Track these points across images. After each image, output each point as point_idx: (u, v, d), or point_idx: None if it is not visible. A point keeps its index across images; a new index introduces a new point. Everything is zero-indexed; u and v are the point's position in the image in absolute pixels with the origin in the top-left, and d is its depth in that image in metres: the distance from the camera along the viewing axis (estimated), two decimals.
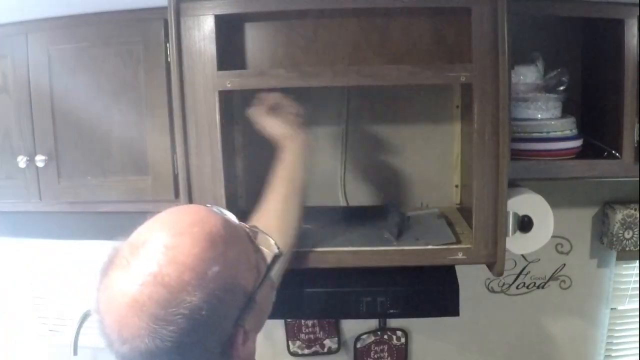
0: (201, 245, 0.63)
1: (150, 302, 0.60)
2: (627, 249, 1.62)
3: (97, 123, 1.36)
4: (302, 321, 1.76)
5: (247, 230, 0.73)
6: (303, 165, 1.21)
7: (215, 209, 0.72)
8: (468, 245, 1.25)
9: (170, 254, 0.62)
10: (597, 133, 1.41)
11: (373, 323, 1.77)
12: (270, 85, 1.22)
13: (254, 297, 0.67)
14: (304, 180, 1.21)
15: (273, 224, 1.10)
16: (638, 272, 1.70)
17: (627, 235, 1.60)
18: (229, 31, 1.30)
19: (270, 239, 0.74)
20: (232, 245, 0.66)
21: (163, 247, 0.63)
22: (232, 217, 0.72)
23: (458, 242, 1.27)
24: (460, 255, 1.24)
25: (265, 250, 0.74)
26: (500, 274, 1.26)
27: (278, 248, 0.73)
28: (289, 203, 1.18)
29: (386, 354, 1.77)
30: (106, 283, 0.64)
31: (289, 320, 1.75)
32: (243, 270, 0.67)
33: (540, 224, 1.34)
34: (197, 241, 0.64)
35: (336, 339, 1.78)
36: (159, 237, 0.64)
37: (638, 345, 1.74)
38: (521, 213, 1.33)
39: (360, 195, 1.54)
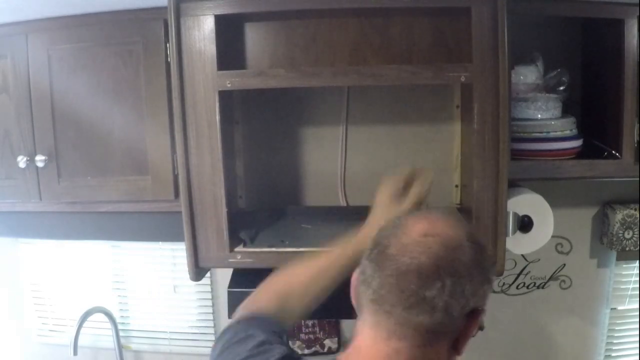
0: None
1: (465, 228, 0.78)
2: (627, 249, 1.62)
3: (97, 123, 1.36)
4: (302, 321, 1.76)
5: None
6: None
7: None
8: None
9: (453, 225, 0.78)
10: (597, 133, 1.42)
11: None
12: (270, 85, 1.22)
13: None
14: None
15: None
16: (638, 272, 1.70)
17: (627, 235, 1.60)
18: (229, 31, 1.30)
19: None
20: None
21: (449, 224, 0.78)
22: None
23: None
24: None
25: None
26: (500, 274, 1.26)
27: None
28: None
29: None
30: (426, 216, 0.79)
31: None
32: None
33: (540, 224, 1.34)
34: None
35: (336, 339, 1.78)
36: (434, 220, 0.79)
37: (638, 345, 1.74)
38: (521, 213, 1.33)
39: (360, 195, 1.54)
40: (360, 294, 0.79)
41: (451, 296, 0.72)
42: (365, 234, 1.04)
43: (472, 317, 0.76)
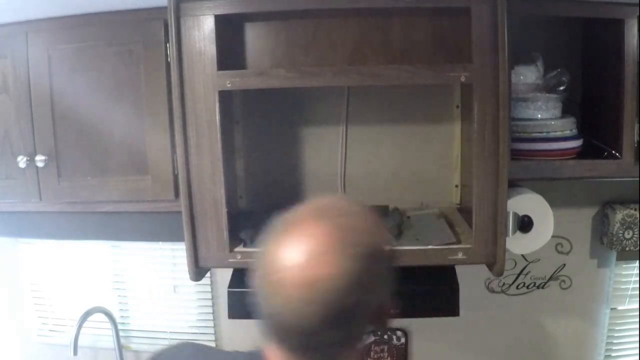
0: (364, 208, 0.76)
1: (342, 241, 0.69)
2: (627, 249, 1.62)
3: (97, 123, 1.36)
4: None
5: None
6: None
7: None
8: (468, 245, 1.25)
9: (347, 212, 0.74)
10: (597, 133, 1.42)
11: None
12: (271, 85, 1.22)
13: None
14: None
15: None
16: (638, 272, 1.70)
17: (627, 235, 1.60)
18: (229, 31, 1.30)
19: None
20: (381, 223, 0.78)
21: (339, 208, 0.75)
22: None
23: (458, 242, 1.27)
24: (460, 255, 1.24)
25: None
26: (500, 274, 1.26)
27: None
28: None
29: (386, 354, 1.77)
30: (294, 235, 0.70)
31: None
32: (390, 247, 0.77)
33: (540, 224, 1.34)
34: (360, 205, 0.76)
35: None
36: (329, 202, 0.77)
37: (638, 345, 1.74)
38: (521, 213, 1.33)
39: (360, 195, 1.54)
40: None
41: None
42: None
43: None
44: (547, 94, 1.39)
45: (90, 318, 1.71)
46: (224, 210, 1.25)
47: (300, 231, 0.70)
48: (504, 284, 1.73)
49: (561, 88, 1.40)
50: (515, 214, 1.31)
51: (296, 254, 0.68)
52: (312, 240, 0.69)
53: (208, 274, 1.73)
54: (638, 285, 1.70)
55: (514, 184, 1.40)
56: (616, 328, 1.75)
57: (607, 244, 1.64)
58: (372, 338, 1.76)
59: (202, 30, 1.20)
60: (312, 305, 0.67)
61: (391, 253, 0.75)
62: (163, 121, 1.32)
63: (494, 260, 1.24)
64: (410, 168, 1.52)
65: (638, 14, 1.26)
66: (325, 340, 0.70)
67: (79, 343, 1.68)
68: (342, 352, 0.74)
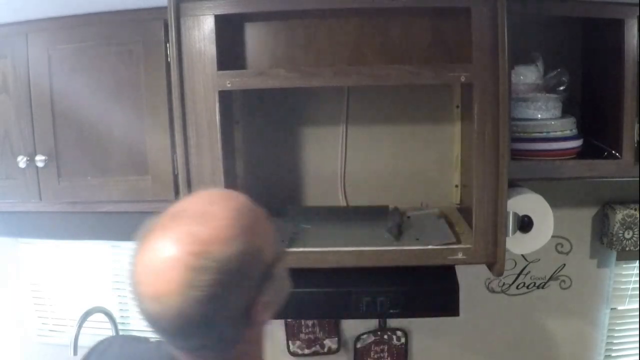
0: (232, 212, 0.72)
1: (185, 254, 0.66)
2: (627, 249, 1.62)
3: (97, 123, 1.36)
4: (302, 321, 1.76)
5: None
6: None
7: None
8: (468, 245, 1.25)
9: (204, 218, 0.70)
10: (597, 133, 1.42)
11: (373, 323, 1.77)
12: (270, 85, 1.22)
13: (272, 269, 0.73)
14: None
15: None
16: (638, 272, 1.70)
17: (627, 235, 1.60)
18: (229, 31, 1.30)
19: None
20: (257, 219, 0.75)
21: (198, 212, 0.71)
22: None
23: (458, 242, 1.27)
24: (460, 255, 1.24)
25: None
26: (500, 274, 1.26)
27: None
28: None
29: (386, 354, 1.77)
30: (145, 246, 0.70)
31: (289, 320, 1.75)
32: (265, 242, 0.74)
33: (540, 224, 1.34)
34: (228, 209, 0.72)
35: (336, 339, 1.77)
36: (195, 205, 0.73)
37: (638, 345, 1.74)
38: (521, 213, 1.33)
39: (360, 195, 1.54)
40: None
41: None
42: None
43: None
44: (547, 94, 1.39)
45: (90, 318, 1.71)
46: None
47: (149, 243, 0.69)
48: (504, 284, 1.73)
49: (561, 88, 1.40)
50: (515, 214, 1.31)
51: (143, 268, 0.69)
52: (157, 254, 0.68)
53: None
54: (638, 285, 1.70)
55: (514, 184, 1.40)
56: (616, 328, 1.75)
57: (607, 244, 1.64)
58: (372, 338, 1.77)
59: (202, 30, 1.20)
60: (164, 317, 0.68)
61: (259, 253, 0.72)
62: (163, 121, 1.32)
63: (494, 260, 1.24)
64: (410, 168, 1.52)
65: (638, 14, 1.26)
66: (196, 343, 0.71)
67: (79, 343, 1.68)
68: (228, 350, 0.74)
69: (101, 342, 0.92)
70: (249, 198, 0.78)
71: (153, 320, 0.70)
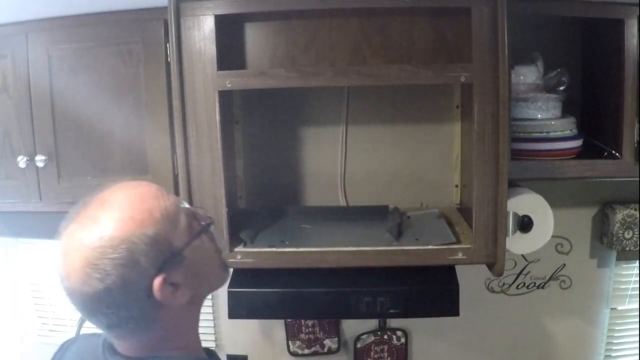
0: (133, 199, 0.78)
1: (85, 236, 0.74)
2: (627, 249, 1.62)
3: (97, 123, 1.36)
4: (302, 321, 1.76)
5: (180, 201, 0.85)
6: None
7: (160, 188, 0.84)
8: (468, 245, 1.25)
9: (107, 204, 0.78)
10: (597, 133, 1.41)
11: (373, 323, 1.77)
12: (270, 85, 1.22)
13: (181, 253, 0.78)
14: None
15: None
16: (638, 272, 1.70)
17: (627, 235, 1.60)
18: (229, 31, 1.30)
19: (200, 210, 0.88)
20: (159, 206, 0.79)
21: (103, 199, 0.79)
22: (173, 196, 0.84)
23: (458, 242, 1.27)
24: (460, 255, 1.24)
25: (201, 215, 0.86)
26: (500, 274, 1.26)
27: (210, 218, 0.86)
28: None
29: (386, 354, 1.77)
30: (61, 231, 0.78)
31: (289, 320, 1.75)
32: (166, 227, 0.78)
33: (540, 224, 1.34)
34: (130, 197, 0.79)
35: (336, 339, 1.78)
36: (104, 194, 0.81)
37: (638, 345, 1.74)
38: (521, 213, 1.33)
39: (360, 195, 1.54)
40: None
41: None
42: None
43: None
44: (547, 94, 1.39)
45: None
46: (224, 210, 1.25)
47: (64, 228, 0.78)
48: (504, 284, 1.73)
49: (561, 88, 1.40)
50: (515, 214, 1.31)
51: (58, 251, 0.77)
52: (66, 238, 0.77)
53: None
54: (638, 285, 1.70)
55: (514, 184, 1.40)
56: (616, 328, 1.75)
57: (607, 244, 1.64)
58: (372, 338, 1.77)
59: (202, 30, 1.20)
60: (72, 295, 0.77)
61: (157, 236, 0.76)
62: (163, 121, 1.32)
63: (494, 260, 1.24)
64: (410, 168, 1.52)
65: (638, 14, 1.26)
66: (105, 322, 0.78)
67: None
68: (142, 330, 0.79)
69: (66, 341, 0.97)
70: (162, 188, 0.83)
71: (68, 300, 0.78)
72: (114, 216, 0.75)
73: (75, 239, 0.75)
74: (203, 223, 0.84)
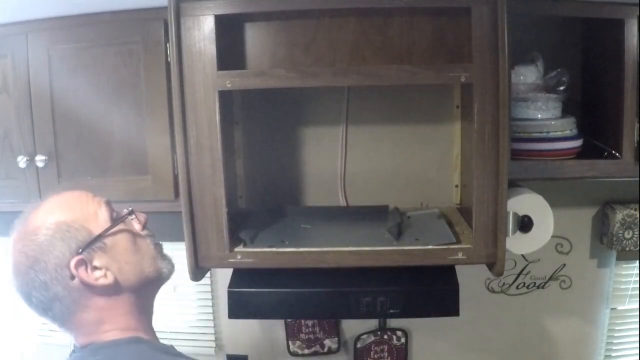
0: (55, 198, 0.95)
1: (18, 227, 0.91)
2: (627, 249, 1.62)
3: (97, 123, 1.36)
4: (302, 321, 1.76)
5: (106, 200, 0.98)
6: None
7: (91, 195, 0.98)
8: (468, 245, 1.25)
9: (36, 207, 0.93)
10: (597, 133, 1.41)
11: (373, 323, 1.77)
12: (270, 85, 1.22)
13: (101, 239, 0.90)
14: None
15: None
16: (638, 272, 1.70)
17: (627, 235, 1.60)
18: (229, 31, 1.30)
19: (126, 209, 0.99)
20: (78, 201, 0.94)
21: (37, 204, 0.94)
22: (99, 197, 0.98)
23: (458, 242, 1.27)
24: (460, 255, 1.24)
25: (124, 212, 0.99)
26: (500, 274, 1.26)
27: (130, 209, 0.99)
28: None
29: (386, 354, 1.77)
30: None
31: (289, 320, 1.75)
32: (88, 218, 0.92)
33: (540, 224, 1.34)
34: (55, 197, 0.95)
35: (336, 339, 1.78)
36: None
37: (638, 345, 1.74)
38: (521, 213, 1.33)
39: (360, 195, 1.54)
40: None
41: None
42: None
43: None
44: (547, 94, 1.39)
45: None
46: (224, 210, 1.25)
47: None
48: (504, 284, 1.73)
49: (561, 88, 1.40)
50: (515, 214, 1.31)
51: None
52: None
53: (208, 274, 1.74)
54: (638, 285, 1.70)
55: (514, 184, 1.40)
56: (616, 328, 1.75)
57: (607, 244, 1.64)
58: (372, 338, 1.77)
59: (202, 30, 1.20)
60: (14, 279, 0.89)
61: (74, 223, 0.90)
62: (163, 121, 1.32)
63: (494, 260, 1.24)
64: (410, 168, 1.52)
65: (638, 14, 1.25)
66: (38, 306, 0.89)
67: None
68: (73, 314, 0.89)
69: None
70: (90, 193, 0.97)
71: (14, 290, 0.90)
72: (38, 211, 0.91)
73: (15, 232, 0.90)
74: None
